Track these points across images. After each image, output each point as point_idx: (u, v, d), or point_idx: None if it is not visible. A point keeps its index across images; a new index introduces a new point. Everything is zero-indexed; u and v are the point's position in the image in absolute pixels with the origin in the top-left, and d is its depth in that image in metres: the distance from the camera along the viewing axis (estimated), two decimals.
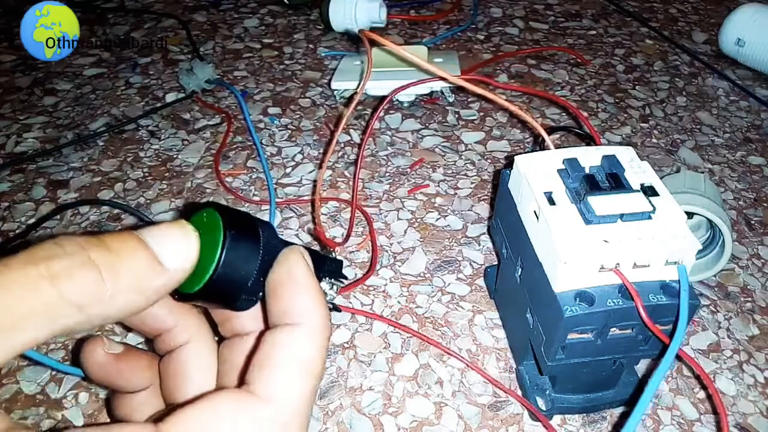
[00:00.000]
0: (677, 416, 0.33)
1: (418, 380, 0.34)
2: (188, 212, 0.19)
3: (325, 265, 0.22)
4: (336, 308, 0.23)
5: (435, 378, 0.34)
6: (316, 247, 0.40)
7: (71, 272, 0.14)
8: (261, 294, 0.19)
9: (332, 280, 0.22)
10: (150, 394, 0.23)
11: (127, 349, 0.22)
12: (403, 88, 0.44)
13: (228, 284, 0.18)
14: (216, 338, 0.22)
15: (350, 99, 0.55)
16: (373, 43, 0.33)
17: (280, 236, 0.21)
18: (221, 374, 0.21)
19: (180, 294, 0.19)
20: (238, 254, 0.18)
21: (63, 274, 0.14)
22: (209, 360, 0.22)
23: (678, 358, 0.35)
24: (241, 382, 0.17)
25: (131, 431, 0.15)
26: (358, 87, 0.56)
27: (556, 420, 0.32)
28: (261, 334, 0.20)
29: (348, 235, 0.42)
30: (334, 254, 0.24)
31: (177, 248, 0.17)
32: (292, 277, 0.18)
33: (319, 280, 0.21)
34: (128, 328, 0.38)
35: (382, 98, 0.55)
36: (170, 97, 0.57)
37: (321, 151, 0.51)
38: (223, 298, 0.19)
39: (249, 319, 0.21)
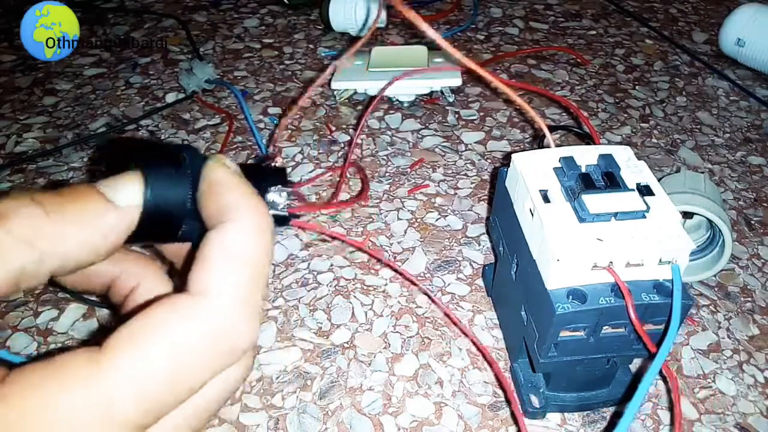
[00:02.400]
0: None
1: (418, 380, 0.34)
2: (108, 155, 0.19)
3: (266, 175, 0.22)
4: (288, 217, 0.22)
5: (435, 378, 0.34)
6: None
7: (16, 210, 0.15)
8: (192, 227, 0.19)
9: (280, 187, 0.21)
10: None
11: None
12: (397, 79, 0.44)
13: (163, 215, 0.18)
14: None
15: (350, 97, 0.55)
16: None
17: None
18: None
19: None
20: (163, 182, 0.18)
21: (8, 213, 0.15)
22: (164, 291, 0.21)
23: (662, 377, 0.35)
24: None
25: (69, 359, 0.15)
26: (365, 87, 0.56)
27: (556, 420, 0.32)
28: None
29: (336, 193, 0.42)
30: (274, 166, 0.23)
31: (126, 187, 0.17)
32: (214, 182, 0.18)
33: (265, 191, 0.21)
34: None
35: (387, 99, 0.55)
36: (170, 97, 0.57)
37: (321, 151, 0.51)
38: (165, 231, 0.19)
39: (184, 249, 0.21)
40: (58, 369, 0.14)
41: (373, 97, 0.53)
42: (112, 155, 0.19)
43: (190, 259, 0.17)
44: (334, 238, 0.38)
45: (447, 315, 0.37)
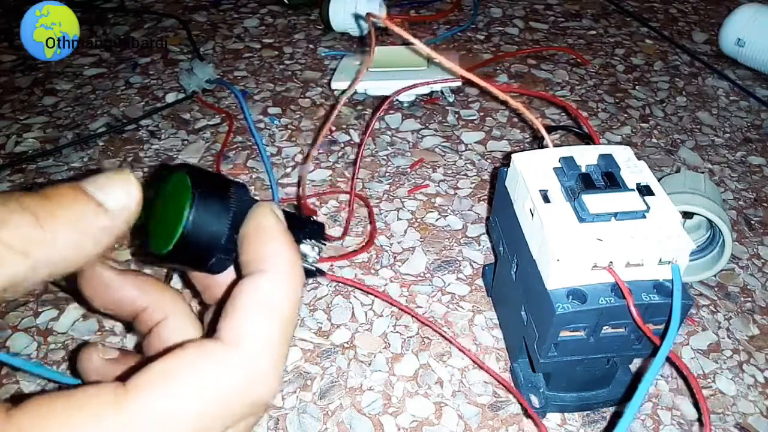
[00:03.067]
0: (677, 416, 0.33)
1: (418, 380, 0.34)
2: (158, 176, 0.20)
3: (305, 227, 0.22)
4: (319, 271, 0.22)
5: (435, 378, 0.34)
6: None
7: (5, 218, 0.15)
8: (231, 255, 0.19)
9: (314, 241, 0.22)
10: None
11: (122, 353, 0.22)
12: (406, 89, 0.44)
13: (198, 243, 0.18)
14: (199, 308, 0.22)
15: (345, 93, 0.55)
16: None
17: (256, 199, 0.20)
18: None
19: (152, 256, 0.18)
20: (207, 212, 0.18)
21: None
22: (191, 332, 0.21)
23: (668, 360, 0.35)
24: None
25: (93, 393, 0.15)
26: (365, 87, 0.56)
27: (555, 420, 0.32)
28: None
29: (346, 227, 0.42)
30: (314, 219, 0.24)
31: (116, 189, 0.17)
32: (258, 228, 0.18)
33: (299, 242, 0.21)
34: (128, 328, 0.38)
35: (383, 98, 0.55)
36: (170, 97, 0.57)
37: (321, 151, 0.51)
38: (196, 259, 0.19)
39: (230, 284, 0.21)
40: (81, 403, 0.14)
41: (383, 100, 0.53)
42: (164, 175, 0.19)
43: (221, 303, 0.17)
44: (362, 290, 0.38)
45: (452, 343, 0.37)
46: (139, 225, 0.19)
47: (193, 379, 0.15)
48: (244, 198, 0.19)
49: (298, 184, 0.45)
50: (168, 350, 0.16)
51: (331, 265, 0.41)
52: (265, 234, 0.18)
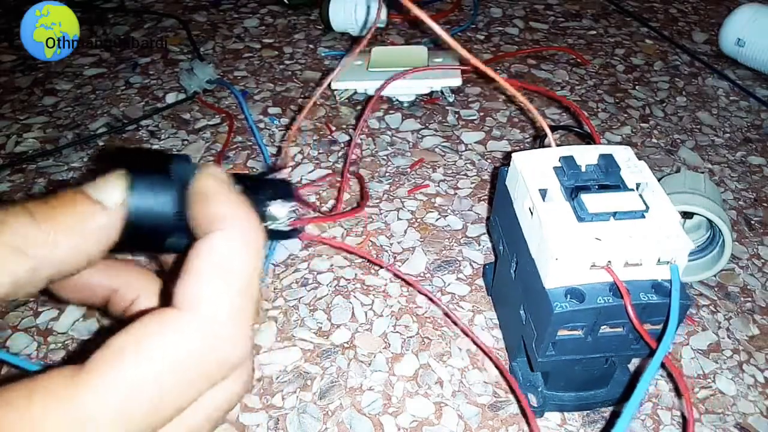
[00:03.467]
0: (677, 416, 0.33)
1: (418, 380, 0.34)
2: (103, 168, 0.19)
3: (270, 187, 0.21)
4: (294, 231, 0.21)
5: (435, 378, 0.34)
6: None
7: (7, 221, 0.15)
8: (179, 239, 0.18)
9: (282, 201, 0.21)
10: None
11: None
12: (395, 78, 0.44)
13: (146, 227, 0.18)
14: None
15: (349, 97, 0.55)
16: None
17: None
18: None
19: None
20: (147, 192, 0.17)
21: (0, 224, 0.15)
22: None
23: (668, 373, 0.35)
24: None
25: (53, 375, 0.14)
26: (365, 87, 0.56)
27: (555, 420, 0.32)
28: None
29: (338, 202, 0.42)
30: (280, 179, 0.22)
31: (113, 188, 0.17)
32: (202, 192, 0.18)
33: (265, 202, 0.20)
34: (104, 314, 0.39)
35: (387, 99, 0.55)
36: (170, 98, 0.57)
37: (321, 151, 0.51)
38: (149, 243, 0.18)
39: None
40: (37, 387, 0.14)
41: (371, 97, 0.53)
42: (108, 161, 0.19)
43: (176, 269, 0.17)
44: (341, 249, 0.38)
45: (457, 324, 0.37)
46: None
47: (147, 352, 0.15)
48: (187, 170, 0.18)
49: (278, 154, 0.45)
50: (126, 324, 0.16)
51: (331, 265, 0.41)
52: (208, 196, 0.17)
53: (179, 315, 0.16)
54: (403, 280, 0.38)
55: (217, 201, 0.17)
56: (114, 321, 0.22)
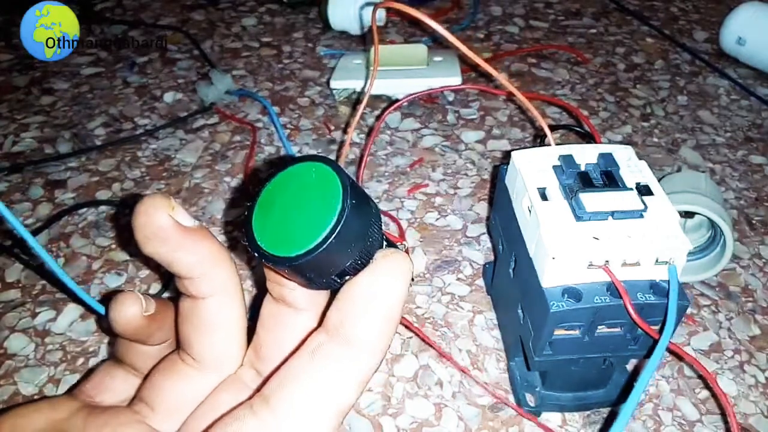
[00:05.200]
0: (678, 417, 0.33)
1: (417, 381, 0.34)
2: (286, 163, 0.17)
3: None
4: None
5: (435, 379, 0.34)
6: None
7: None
8: (343, 281, 0.17)
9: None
10: (164, 347, 0.22)
11: (158, 306, 0.21)
12: (416, 95, 0.44)
13: (325, 261, 0.15)
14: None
15: (357, 100, 0.55)
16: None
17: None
18: (261, 339, 0.20)
19: (260, 254, 0.16)
20: (350, 232, 0.15)
21: None
22: (235, 314, 0.20)
23: (679, 358, 0.35)
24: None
25: (234, 416, 0.16)
26: (364, 86, 0.55)
27: (556, 420, 0.32)
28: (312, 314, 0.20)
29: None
30: (401, 247, 0.20)
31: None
32: (375, 298, 0.16)
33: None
34: (165, 285, 0.39)
35: (387, 99, 0.55)
36: (168, 97, 0.57)
37: (320, 150, 0.50)
38: (310, 275, 0.16)
39: (305, 296, 0.19)
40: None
41: (387, 99, 0.53)
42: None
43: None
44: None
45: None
46: (244, 216, 0.17)
47: (319, 388, 0.16)
48: (378, 224, 0.17)
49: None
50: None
51: None
52: (374, 310, 0.17)
53: (346, 350, 0.16)
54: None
55: (376, 322, 0.17)
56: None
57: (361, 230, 0.16)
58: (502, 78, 0.29)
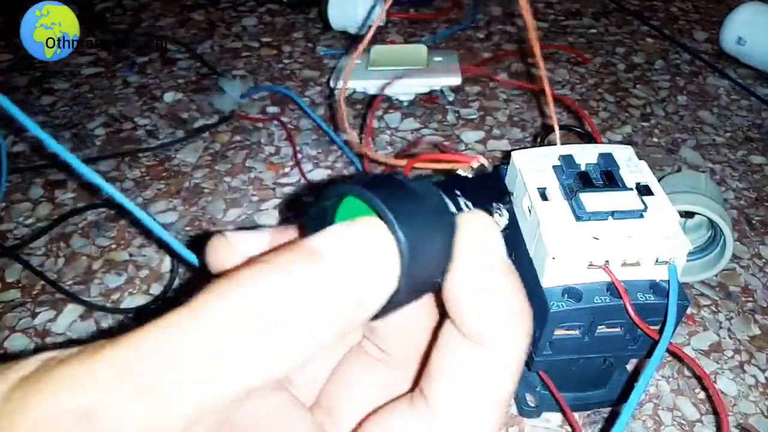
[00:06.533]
0: (678, 417, 0.33)
1: None
2: (326, 195, 0.15)
3: (485, 188, 0.16)
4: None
5: None
6: None
7: None
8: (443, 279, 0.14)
9: (500, 204, 0.17)
10: None
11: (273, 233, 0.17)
12: (389, 85, 0.43)
13: (403, 298, 0.13)
14: None
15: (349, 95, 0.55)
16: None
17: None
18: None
19: None
20: (421, 256, 0.13)
21: None
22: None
23: (679, 359, 0.35)
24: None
25: (393, 412, 0.15)
26: (364, 86, 0.55)
27: (556, 420, 0.32)
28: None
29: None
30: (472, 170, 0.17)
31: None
32: (483, 276, 0.14)
33: (490, 212, 0.16)
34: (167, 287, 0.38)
35: (387, 98, 0.55)
36: (168, 97, 0.57)
37: (320, 150, 0.50)
38: (406, 298, 0.14)
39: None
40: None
41: (373, 97, 0.53)
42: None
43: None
44: None
45: None
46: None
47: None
48: (447, 209, 0.14)
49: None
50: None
51: None
52: (482, 288, 0.14)
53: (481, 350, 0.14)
54: None
55: (489, 304, 0.14)
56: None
57: (432, 241, 0.14)
58: (543, 74, 0.28)
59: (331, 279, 0.12)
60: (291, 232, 0.16)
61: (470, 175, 0.17)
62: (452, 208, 0.15)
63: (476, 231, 0.14)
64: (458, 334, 0.14)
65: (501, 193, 0.17)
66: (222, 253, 0.15)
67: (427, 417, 0.14)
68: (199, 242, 0.39)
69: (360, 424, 0.16)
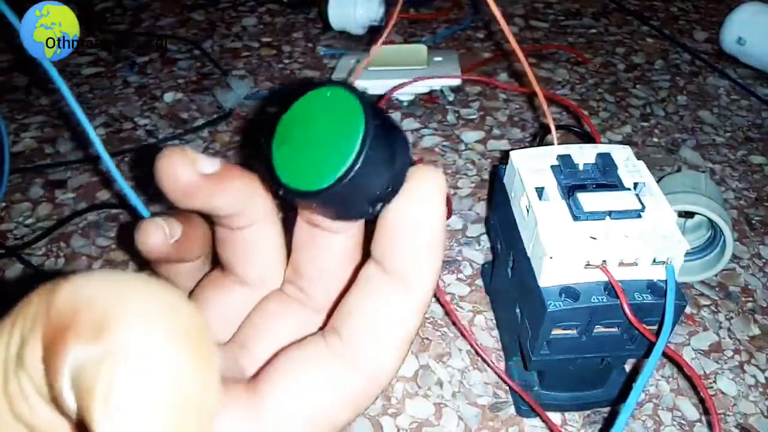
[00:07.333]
0: (678, 417, 0.33)
1: (417, 381, 0.34)
2: (301, 90, 0.15)
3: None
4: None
5: (435, 379, 0.34)
6: None
7: None
8: (377, 210, 0.15)
9: None
10: (200, 261, 0.21)
11: (185, 227, 0.20)
12: (401, 86, 0.44)
13: (353, 190, 0.14)
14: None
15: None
16: None
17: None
18: (299, 258, 0.19)
19: (289, 191, 0.15)
20: (379, 152, 0.14)
21: None
22: (273, 236, 0.19)
23: (675, 364, 0.34)
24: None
25: (307, 343, 0.15)
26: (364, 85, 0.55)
27: (556, 420, 0.32)
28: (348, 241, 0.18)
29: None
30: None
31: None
32: (412, 225, 0.15)
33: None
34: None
35: (381, 97, 0.55)
36: (168, 97, 0.57)
37: None
38: (342, 207, 0.15)
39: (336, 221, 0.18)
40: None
41: (380, 97, 0.53)
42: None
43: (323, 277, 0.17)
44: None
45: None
46: (264, 152, 0.15)
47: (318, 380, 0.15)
48: (407, 148, 0.15)
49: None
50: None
51: None
52: (419, 239, 0.15)
53: (403, 292, 0.15)
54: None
55: (424, 253, 0.15)
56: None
57: (389, 153, 0.14)
58: (530, 74, 0.29)
59: None
60: (236, 171, 0.17)
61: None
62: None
63: (431, 178, 0.15)
64: (380, 272, 0.15)
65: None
66: (176, 159, 0.16)
67: (340, 349, 0.15)
68: None
69: (274, 356, 0.16)
